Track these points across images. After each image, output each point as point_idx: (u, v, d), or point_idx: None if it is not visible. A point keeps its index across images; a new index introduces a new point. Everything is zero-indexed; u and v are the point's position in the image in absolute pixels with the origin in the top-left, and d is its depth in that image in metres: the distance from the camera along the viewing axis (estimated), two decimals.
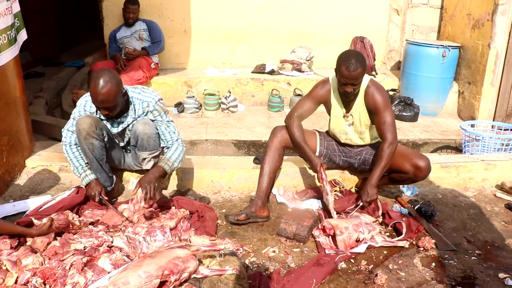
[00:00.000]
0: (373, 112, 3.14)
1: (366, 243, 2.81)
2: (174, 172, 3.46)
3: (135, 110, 3.03)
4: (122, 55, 5.69)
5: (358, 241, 2.80)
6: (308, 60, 6.21)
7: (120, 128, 3.08)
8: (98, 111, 2.98)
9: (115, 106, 2.83)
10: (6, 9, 3.33)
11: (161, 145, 3.13)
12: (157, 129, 3.07)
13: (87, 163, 3.10)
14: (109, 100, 2.77)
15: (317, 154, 3.39)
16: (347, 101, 3.19)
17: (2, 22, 3.24)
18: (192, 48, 6.44)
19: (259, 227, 3.10)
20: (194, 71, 6.33)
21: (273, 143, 3.28)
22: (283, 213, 3.18)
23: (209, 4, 6.30)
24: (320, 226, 2.91)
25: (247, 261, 2.68)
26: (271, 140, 3.30)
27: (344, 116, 3.25)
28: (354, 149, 3.39)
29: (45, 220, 2.69)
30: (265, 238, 2.96)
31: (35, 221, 2.78)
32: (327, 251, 2.77)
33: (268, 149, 3.29)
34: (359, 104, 3.16)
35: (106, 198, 3.01)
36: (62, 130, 3.16)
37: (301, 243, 2.89)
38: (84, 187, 3.13)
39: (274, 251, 2.80)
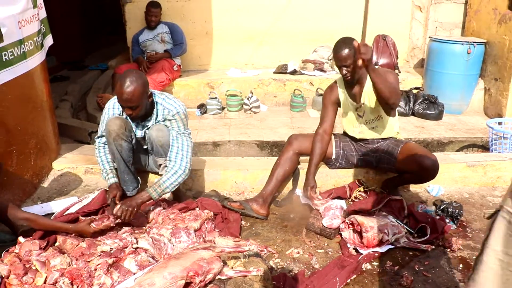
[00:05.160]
0: None
1: (389, 244, 2.79)
2: (197, 173, 3.48)
3: (157, 115, 3.04)
4: (145, 57, 5.75)
5: (381, 241, 2.77)
6: (330, 60, 6.17)
7: (143, 132, 3.11)
8: (122, 113, 3.01)
9: (138, 107, 2.85)
10: (33, 16, 3.40)
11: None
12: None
13: (111, 167, 3.15)
14: (132, 99, 2.79)
15: (333, 156, 3.46)
16: (356, 92, 3.24)
17: (29, 29, 3.31)
18: (214, 50, 6.48)
19: (283, 228, 3.10)
20: (216, 72, 6.36)
21: (287, 151, 3.38)
22: (307, 214, 3.18)
23: (230, 5, 6.32)
24: (347, 221, 2.90)
25: (271, 262, 2.68)
26: (285, 148, 3.41)
27: (356, 109, 3.29)
28: (369, 146, 3.38)
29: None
30: (289, 239, 2.96)
31: (81, 217, 2.89)
32: (348, 245, 2.80)
33: (282, 155, 3.39)
34: (367, 91, 3.18)
35: (117, 202, 2.98)
36: (95, 137, 3.23)
37: (326, 245, 2.89)
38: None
39: (298, 252, 2.81)
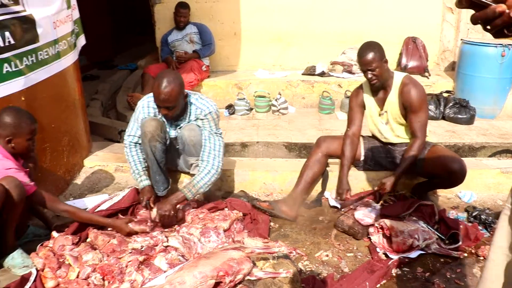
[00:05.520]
0: (408, 109, 3.13)
1: (419, 250, 2.75)
2: (226, 174, 3.50)
3: (189, 115, 3.06)
4: (174, 58, 5.80)
5: (411, 247, 2.73)
6: None
7: (175, 132, 3.13)
8: (159, 112, 3.04)
9: (175, 107, 2.88)
10: (67, 16, 3.46)
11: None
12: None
13: (144, 168, 3.17)
14: (170, 100, 2.81)
15: (362, 158, 3.44)
16: (380, 98, 3.24)
17: (63, 29, 3.37)
18: (242, 50, 6.49)
19: (312, 230, 3.09)
20: (244, 73, 6.37)
21: (316, 153, 3.37)
22: (336, 216, 3.17)
23: (258, 6, 6.33)
24: (377, 225, 2.87)
25: (300, 265, 2.67)
26: (314, 151, 3.39)
27: (379, 115, 3.28)
28: (397, 148, 3.35)
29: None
30: (318, 241, 2.95)
31: (120, 216, 2.98)
32: (378, 250, 2.77)
33: (310, 157, 3.38)
34: (392, 101, 3.16)
35: (152, 205, 3.01)
36: (125, 135, 3.25)
37: (355, 248, 2.86)
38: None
39: (327, 255, 2.79)
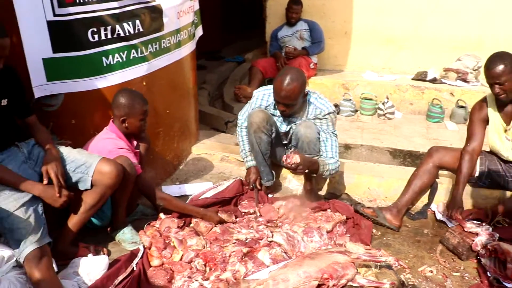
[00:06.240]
0: None
1: None
2: None
3: (307, 113, 3.05)
4: (283, 53, 5.83)
5: None
6: (475, 70, 5.73)
7: (288, 127, 3.14)
8: (274, 106, 3.06)
9: (294, 105, 2.89)
10: (189, 7, 3.59)
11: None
12: (319, 135, 3.05)
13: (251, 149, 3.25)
14: (291, 97, 2.82)
15: (476, 174, 3.19)
16: (507, 113, 2.97)
17: (185, 19, 3.50)
18: (352, 51, 6.34)
19: (415, 242, 2.95)
20: (351, 73, 6.23)
21: (427, 163, 3.21)
22: (442, 230, 3.02)
23: (372, 6, 6.13)
24: (489, 247, 2.66)
25: (402, 277, 2.55)
26: (425, 160, 3.24)
27: (505, 131, 3.01)
28: None
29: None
30: (422, 255, 2.81)
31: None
32: (489, 274, 2.57)
33: (421, 166, 3.23)
34: None
35: (259, 187, 3.12)
36: (239, 113, 3.39)
37: (462, 268, 2.69)
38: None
39: (431, 271, 2.65)
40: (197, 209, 2.90)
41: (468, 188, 3.30)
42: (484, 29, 5.87)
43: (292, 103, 2.85)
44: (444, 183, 3.34)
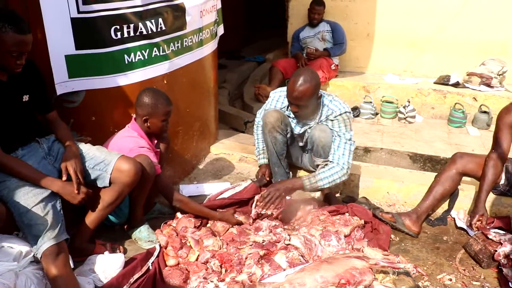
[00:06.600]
0: None
1: None
2: (350, 178, 3.39)
3: (320, 115, 3.02)
4: (304, 54, 5.79)
5: None
6: (499, 75, 5.60)
7: (303, 129, 3.11)
8: (288, 107, 3.04)
9: (306, 106, 2.86)
10: (212, 6, 3.59)
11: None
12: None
13: (265, 147, 3.25)
14: (303, 98, 2.80)
15: (501, 182, 3.12)
16: None
17: (208, 18, 3.50)
18: (373, 53, 6.27)
19: (434, 249, 2.90)
20: (373, 76, 6.16)
21: (450, 169, 3.15)
22: (462, 238, 2.97)
23: (395, 9, 6.04)
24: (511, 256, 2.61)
25: (420, 284, 2.51)
26: (448, 166, 3.18)
27: None
28: None
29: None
30: (441, 263, 2.76)
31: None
32: (510, 284, 2.52)
33: (443, 172, 3.17)
34: None
35: (267, 178, 3.18)
36: (257, 113, 3.41)
37: (481, 277, 2.64)
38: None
39: (450, 279, 2.61)
40: (214, 213, 2.88)
41: (490, 196, 3.23)
42: (509, 33, 5.73)
43: (304, 104, 2.83)
44: (466, 190, 3.28)
